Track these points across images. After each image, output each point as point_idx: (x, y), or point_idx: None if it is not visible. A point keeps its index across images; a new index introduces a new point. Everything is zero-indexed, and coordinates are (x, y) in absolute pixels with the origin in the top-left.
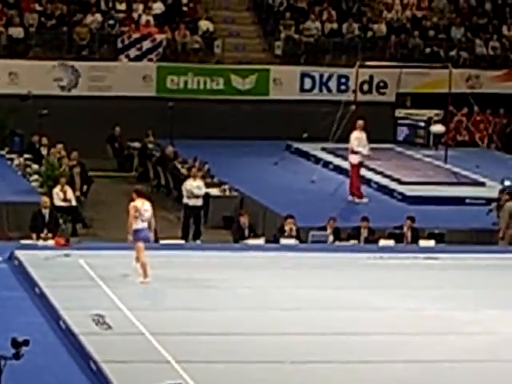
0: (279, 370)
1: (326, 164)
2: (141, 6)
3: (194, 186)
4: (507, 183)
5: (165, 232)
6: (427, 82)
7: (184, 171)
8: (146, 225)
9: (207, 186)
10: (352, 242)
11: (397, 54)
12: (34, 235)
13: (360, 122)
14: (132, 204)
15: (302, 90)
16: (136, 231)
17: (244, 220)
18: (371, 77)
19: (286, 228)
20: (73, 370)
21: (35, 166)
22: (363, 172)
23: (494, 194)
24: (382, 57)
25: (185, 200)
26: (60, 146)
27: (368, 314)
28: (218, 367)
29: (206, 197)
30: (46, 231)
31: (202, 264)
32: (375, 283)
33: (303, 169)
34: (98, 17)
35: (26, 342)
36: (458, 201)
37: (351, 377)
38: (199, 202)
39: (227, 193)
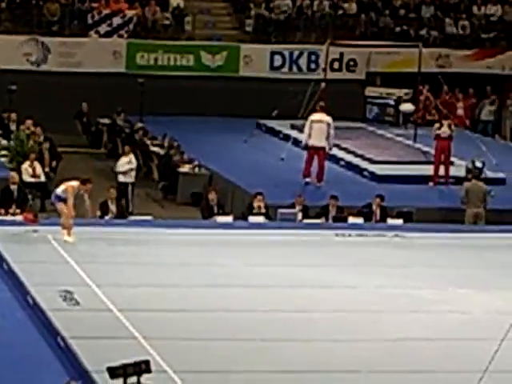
0: (247, 347)
1: (296, 142)
2: None
3: (123, 162)
4: (478, 164)
5: (136, 208)
6: (397, 60)
7: (153, 148)
8: None
9: (177, 163)
10: (320, 221)
11: (367, 32)
12: (3, 211)
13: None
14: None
15: (272, 67)
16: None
17: (213, 197)
18: (341, 55)
19: (255, 205)
20: (40, 346)
21: (4, 142)
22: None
23: (463, 172)
24: (352, 35)
25: (117, 177)
26: (29, 121)
27: (336, 292)
28: (186, 344)
29: (176, 173)
30: (14, 207)
31: (170, 241)
32: (343, 261)
33: (272, 146)
34: None
35: None
36: (427, 180)
37: (319, 355)
38: (125, 179)
39: (196, 170)
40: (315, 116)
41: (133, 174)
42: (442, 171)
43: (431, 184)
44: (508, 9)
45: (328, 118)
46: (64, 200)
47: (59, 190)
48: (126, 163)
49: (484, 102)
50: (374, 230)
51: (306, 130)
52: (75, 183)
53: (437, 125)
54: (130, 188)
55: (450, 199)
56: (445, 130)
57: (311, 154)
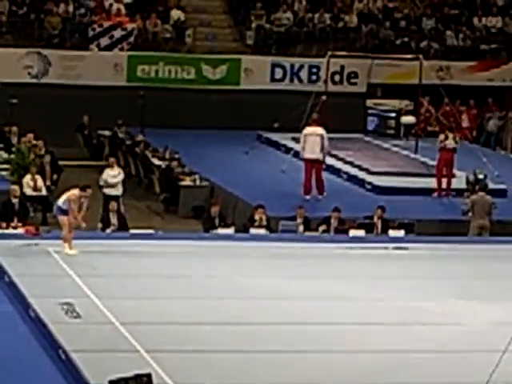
0: (248, 360)
1: (297, 154)
2: None
3: (111, 174)
4: (480, 176)
5: (134, 221)
6: (398, 72)
7: (154, 160)
8: None
9: (178, 175)
10: (321, 229)
11: (368, 44)
12: (4, 224)
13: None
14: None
15: (273, 79)
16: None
17: (214, 210)
18: (342, 67)
19: (256, 218)
20: (42, 359)
21: (5, 155)
22: (332, 161)
23: (464, 184)
24: (353, 47)
25: (103, 190)
26: (30, 135)
27: (337, 304)
28: (188, 357)
29: (177, 186)
30: (15, 220)
31: (171, 253)
32: (345, 273)
33: (274, 158)
34: (69, 6)
35: None
36: (428, 192)
37: (317, 366)
38: (115, 192)
39: (198, 182)
40: (309, 129)
41: (120, 186)
42: (443, 184)
43: (435, 195)
44: (508, 21)
45: (321, 131)
46: (66, 212)
47: (61, 202)
48: (117, 175)
49: (492, 114)
50: (376, 243)
51: (301, 143)
52: (76, 191)
53: (442, 136)
54: (120, 201)
55: (452, 211)
56: (450, 142)
57: (308, 167)
